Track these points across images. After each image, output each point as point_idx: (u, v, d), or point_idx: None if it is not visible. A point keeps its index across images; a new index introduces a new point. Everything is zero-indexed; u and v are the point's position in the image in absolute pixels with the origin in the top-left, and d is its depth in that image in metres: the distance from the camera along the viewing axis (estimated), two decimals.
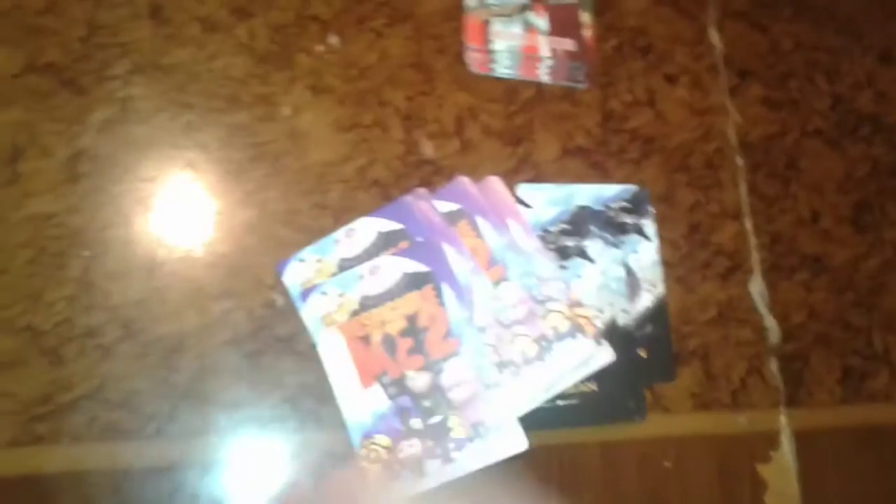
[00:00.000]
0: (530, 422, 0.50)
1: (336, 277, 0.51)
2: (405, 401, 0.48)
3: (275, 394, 0.50)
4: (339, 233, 0.53)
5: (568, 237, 0.56)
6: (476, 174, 0.57)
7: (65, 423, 0.48)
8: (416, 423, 0.48)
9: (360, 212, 0.54)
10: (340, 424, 0.51)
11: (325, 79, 0.57)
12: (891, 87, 0.68)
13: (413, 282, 0.51)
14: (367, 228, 0.52)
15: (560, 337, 0.51)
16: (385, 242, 0.53)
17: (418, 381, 0.49)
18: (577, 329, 0.51)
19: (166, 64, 0.54)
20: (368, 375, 0.49)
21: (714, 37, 0.65)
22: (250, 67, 0.56)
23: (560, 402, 0.53)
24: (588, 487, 0.54)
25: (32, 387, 0.48)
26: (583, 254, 0.56)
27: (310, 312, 0.50)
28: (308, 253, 0.51)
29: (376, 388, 0.49)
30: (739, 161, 0.62)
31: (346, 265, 0.51)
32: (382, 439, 0.48)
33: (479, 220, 0.54)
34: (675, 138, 0.61)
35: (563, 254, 0.56)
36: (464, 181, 0.55)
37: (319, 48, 0.57)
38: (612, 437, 0.54)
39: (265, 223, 0.53)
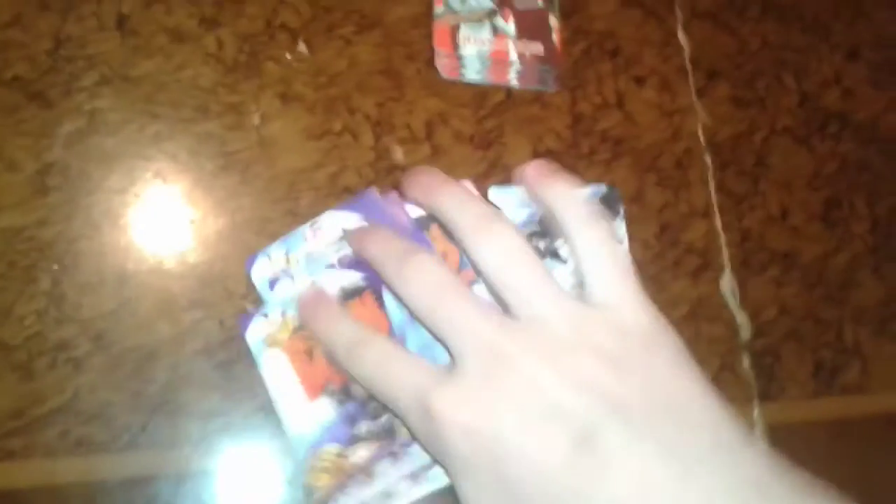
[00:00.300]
0: None
1: (277, 298, 0.50)
2: (351, 407, 0.48)
3: (248, 403, 0.50)
4: (305, 227, 0.52)
5: (539, 238, 0.56)
6: None
7: (37, 438, 0.48)
8: (362, 426, 0.48)
9: None
10: None
11: (295, 87, 0.57)
12: (858, 85, 0.69)
13: (351, 293, 0.50)
14: (332, 222, 0.52)
15: None
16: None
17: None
18: None
19: (134, 75, 0.54)
20: (314, 388, 0.48)
21: (682, 38, 0.65)
22: (219, 77, 0.56)
23: None
24: None
25: (3, 402, 0.48)
26: (555, 254, 0.56)
27: (252, 337, 0.49)
28: (275, 248, 0.51)
29: (323, 400, 0.48)
30: (708, 160, 0.63)
31: (313, 260, 0.50)
32: (332, 448, 0.47)
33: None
34: (644, 139, 0.62)
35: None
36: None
37: (288, 56, 0.57)
38: None
39: (236, 232, 0.53)
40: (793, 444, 0.58)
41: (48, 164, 0.52)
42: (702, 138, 0.63)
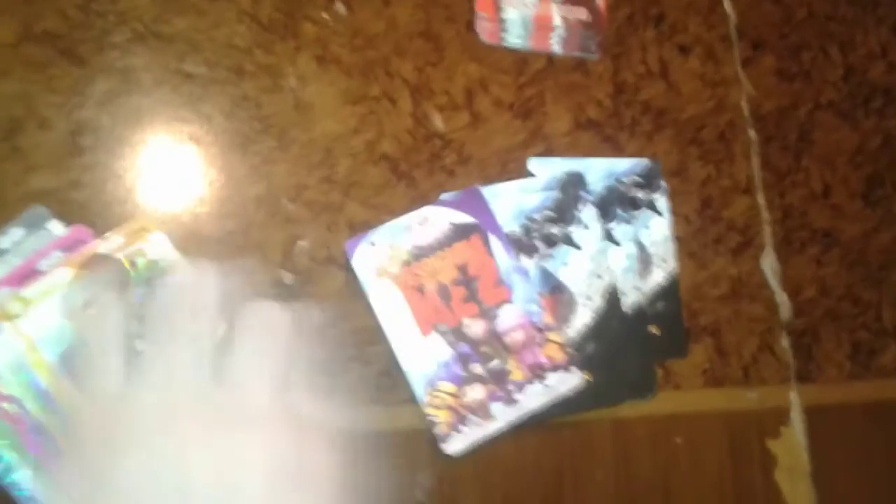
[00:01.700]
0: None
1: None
2: (464, 348, 0.51)
3: None
4: (410, 219, 0.52)
5: (553, 224, 0.55)
6: (486, 148, 0.56)
7: None
8: (476, 368, 0.50)
9: (367, 186, 0.53)
10: (351, 402, 0.50)
11: (332, 48, 0.55)
12: None
13: (460, 232, 0.52)
14: (439, 217, 0.52)
15: (555, 368, 0.52)
16: (457, 234, 0.52)
17: (474, 328, 0.51)
18: (569, 361, 0.52)
19: (167, 33, 0.53)
20: (427, 324, 0.50)
21: (727, 5, 0.63)
22: (254, 36, 0.54)
23: None
24: (599, 464, 0.54)
25: None
26: (568, 240, 0.55)
27: (360, 265, 0.50)
28: (379, 237, 0.51)
29: (435, 337, 0.50)
30: (752, 134, 0.61)
31: (418, 252, 0.51)
32: (447, 386, 0.50)
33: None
34: (687, 110, 0.60)
35: (549, 242, 0.54)
36: (479, 191, 0.53)
37: (325, 16, 0.55)
38: (623, 414, 0.54)
39: (272, 198, 0.52)
40: (829, 425, 0.57)
41: (81, 124, 0.50)
42: (746, 111, 0.61)
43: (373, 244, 0.51)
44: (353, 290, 0.51)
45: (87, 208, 0.49)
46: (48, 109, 0.50)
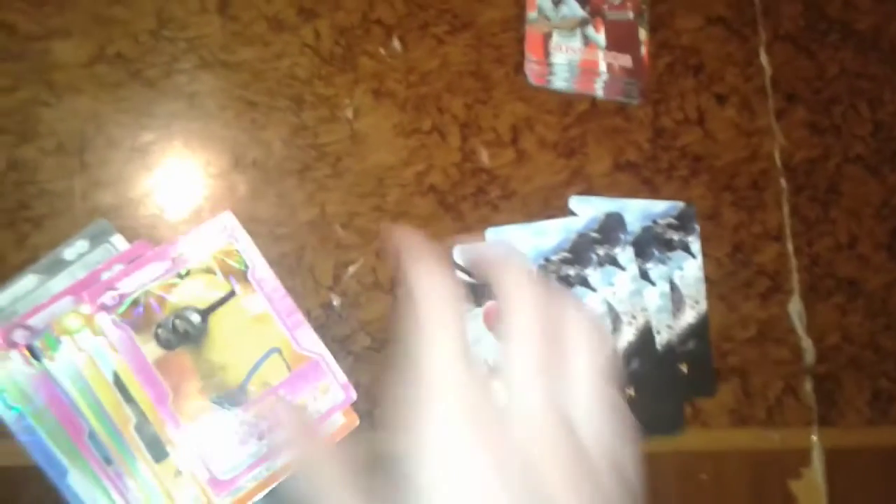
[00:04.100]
0: None
1: None
2: None
3: None
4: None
5: (569, 266, 0.57)
6: (529, 184, 0.58)
7: None
8: None
9: (415, 217, 0.55)
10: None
11: (387, 83, 0.57)
12: None
13: (479, 293, 0.54)
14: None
15: None
16: (479, 294, 0.55)
17: None
18: None
19: (232, 61, 0.55)
20: None
21: (764, 59, 0.66)
22: (315, 69, 0.56)
23: None
24: None
25: None
26: (584, 282, 0.57)
27: None
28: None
29: None
30: (783, 183, 0.63)
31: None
32: None
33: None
34: (722, 158, 0.62)
35: (566, 283, 0.56)
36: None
37: (382, 52, 0.58)
38: (652, 448, 0.56)
39: (325, 224, 0.54)
40: (847, 469, 0.59)
41: (146, 144, 0.53)
42: (778, 161, 0.64)
43: None
44: (398, 314, 0.53)
45: (149, 224, 0.52)
46: (116, 129, 0.52)
